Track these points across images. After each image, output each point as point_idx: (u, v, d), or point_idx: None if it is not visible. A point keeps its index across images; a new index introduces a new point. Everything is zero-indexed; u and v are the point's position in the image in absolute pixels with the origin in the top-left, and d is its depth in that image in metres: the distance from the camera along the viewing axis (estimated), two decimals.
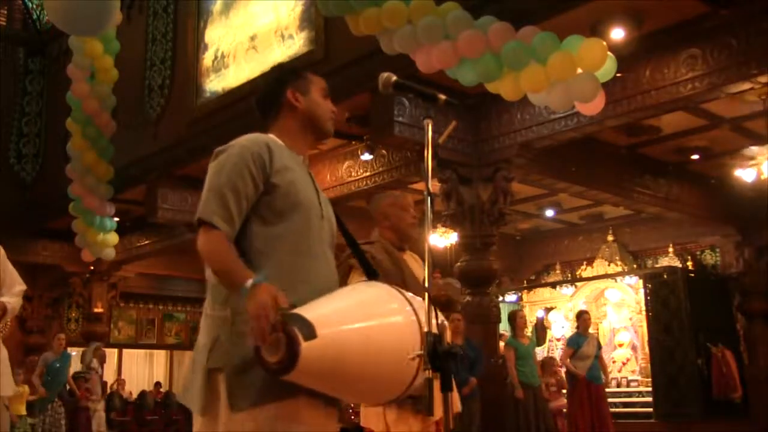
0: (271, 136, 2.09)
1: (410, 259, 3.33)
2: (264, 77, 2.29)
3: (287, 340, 1.67)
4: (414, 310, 1.85)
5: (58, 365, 9.25)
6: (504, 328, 8.80)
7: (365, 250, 3.17)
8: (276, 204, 1.97)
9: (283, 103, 2.14)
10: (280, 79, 2.18)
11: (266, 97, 2.18)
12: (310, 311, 1.74)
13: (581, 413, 7.86)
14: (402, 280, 3.10)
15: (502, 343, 8.16)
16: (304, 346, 1.66)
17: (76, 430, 9.65)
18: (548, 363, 9.18)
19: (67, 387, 9.77)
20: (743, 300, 9.60)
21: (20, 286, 4.04)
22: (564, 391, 8.57)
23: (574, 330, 8.65)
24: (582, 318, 8.36)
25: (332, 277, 2.06)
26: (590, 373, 7.95)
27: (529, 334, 8.59)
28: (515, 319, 8.21)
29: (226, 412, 1.84)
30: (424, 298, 1.84)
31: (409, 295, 1.90)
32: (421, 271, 3.25)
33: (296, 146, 2.13)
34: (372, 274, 2.16)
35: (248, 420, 1.82)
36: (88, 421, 9.83)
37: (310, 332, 1.67)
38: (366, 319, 1.80)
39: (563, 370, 8.63)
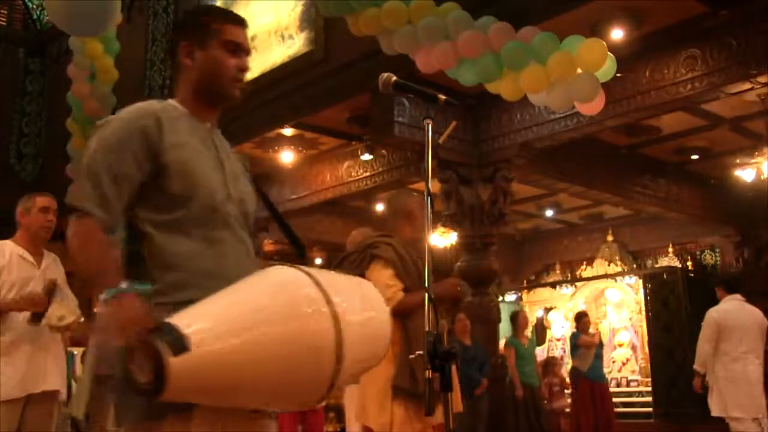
0: (171, 102, 1.83)
1: None
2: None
3: (153, 356, 1.41)
4: (328, 298, 1.57)
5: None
6: (504, 328, 8.79)
7: (388, 242, 3.20)
8: (168, 187, 1.70)
9: (178, 60, 1.83)
10: (176, 30, 1.86)
11: (166, 55, 1.90)
12: (187, 315, 1.49)
13: (584, 413, 7.86)
14: (419, 275, 3.13)
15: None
16: (173, 362, 1.40)
17: None
18: (551, 363, 9.17)
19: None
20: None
21: (75, 301, 3.97)
22: (567, 391, 8.57)
23: (573, 330, 8.66)
24: (582, 321, 8.38)
25: (244, 263, 1.75)
26: (593, 373, 7.96)
27: (528, 334, 8.60)
28: (517, 319, 8.22)
29: (114, 426, 1.66)
30: (431, 294, 1.75)
31: (325, 281, 1.62)
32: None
33: (199, 112, 1.82)
34: (301, 249, 1.91)
35: None
36: None
37: (180, 344, 1.41)
38: (258, 317, 1.53)
39: (567, 369, 8.64)
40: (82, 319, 3.89)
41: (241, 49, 1.84)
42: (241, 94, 1.86)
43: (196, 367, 1.43)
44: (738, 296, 5.96)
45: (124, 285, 1.55)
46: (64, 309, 3.72)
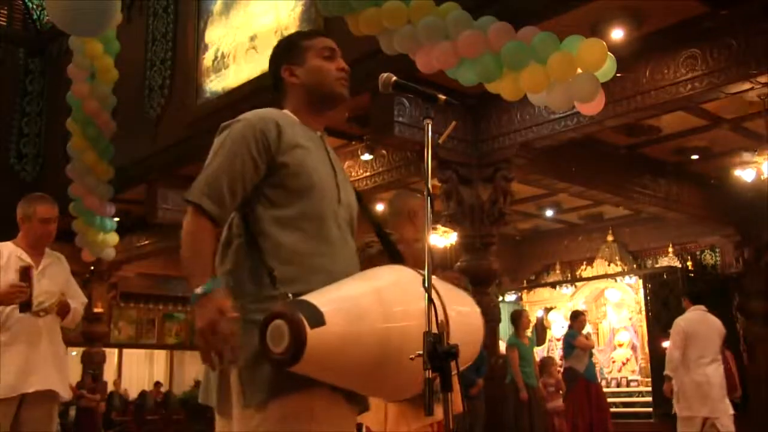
0: (285, 111, 1.99)
1: None
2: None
3: (292, 328, 1.54)
4: (439, 294, 1.72)
5: None
6: (503, 327, 8.79)
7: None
8: (285, 185, 1.85)
9: (283, 82, 2.03)
10: (273, 59, 2.07)
11: (272, 81, 2.07)
12: (319, 296, 1.63)
13: (581, 413, 7.87)
14: None
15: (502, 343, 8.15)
16: (311, 333, 1.53)
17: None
18: (548, 363, 9.17)
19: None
20: (743, 300, 9.60)
21: (82, 298, 4.04)
22: (561, 392, 8.57)
23: (568, 329, 8.67)
24: (578, 320, 8.39)
25: (351, 264, 1.91)
26: (589, 372, 7.97)
27: (529, 334, 8.59)
28: (519, 318, 8.20)
29: (237, 408, 1.74)
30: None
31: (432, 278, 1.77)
32: None
33: (310, 121, 2.00)
34: (398, 261, 2.02)
35: (259, 416, 1.71)
36: (93, 421, 9.82)
37: (317, 319, 1.54)
38: (384, 305, 1.66)
39: (561, 369, 8.63)
40: (72, 304, 3.90)
41: (335, 53, 2.03)
42: (347, 91, 2.04)
43: (328, 342, 1.56)
44: (702, 307, 6.40)
45: (210, 284, 1.69)
46: (43, 295, 3.73)
